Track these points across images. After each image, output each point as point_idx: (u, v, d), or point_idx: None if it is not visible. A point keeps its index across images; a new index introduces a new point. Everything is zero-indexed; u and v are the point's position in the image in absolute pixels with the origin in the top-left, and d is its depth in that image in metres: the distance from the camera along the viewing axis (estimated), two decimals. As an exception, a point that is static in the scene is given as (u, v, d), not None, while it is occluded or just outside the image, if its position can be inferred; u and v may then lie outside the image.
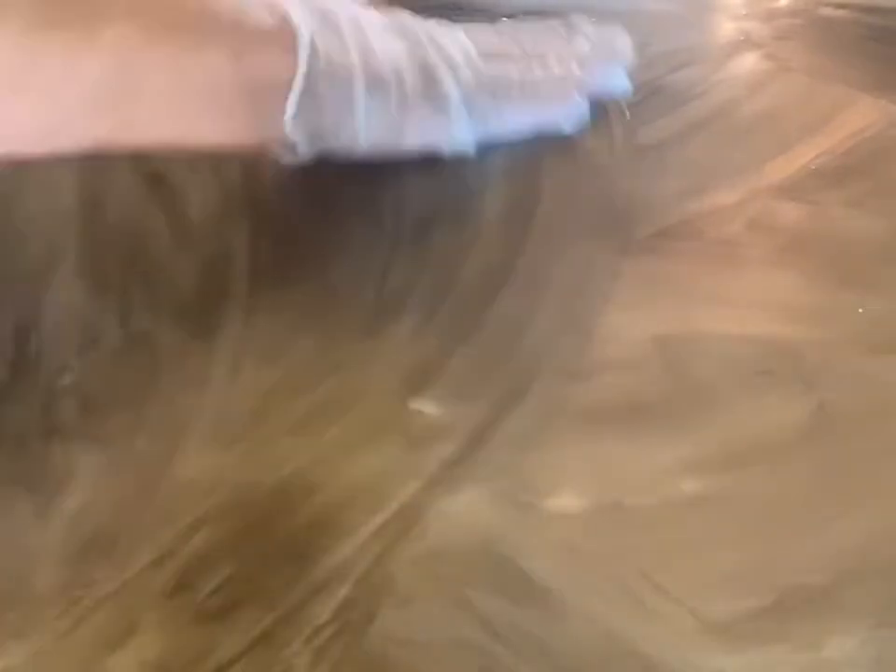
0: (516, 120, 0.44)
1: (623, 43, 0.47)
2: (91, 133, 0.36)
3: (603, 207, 0.42)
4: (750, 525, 0.31)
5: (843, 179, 0.43)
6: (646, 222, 0.41)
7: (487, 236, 0.41)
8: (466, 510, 0.31)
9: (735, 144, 0.45)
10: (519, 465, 0.32)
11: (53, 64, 0.34)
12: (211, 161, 0.43)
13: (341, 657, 0.28)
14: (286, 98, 0.38)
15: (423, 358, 0.36)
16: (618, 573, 0.30)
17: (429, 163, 0.42)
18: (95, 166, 0.43)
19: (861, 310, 0.37)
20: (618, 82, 0.46)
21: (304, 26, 0.37)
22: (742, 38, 0.53)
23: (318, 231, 0.41)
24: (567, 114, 0.45)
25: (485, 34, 0.44)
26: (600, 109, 0.46)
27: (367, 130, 0.40)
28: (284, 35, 0.37)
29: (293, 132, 0.38)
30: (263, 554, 0.30)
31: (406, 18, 0.42)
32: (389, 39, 0.40)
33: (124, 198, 0.42)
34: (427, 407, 0.34)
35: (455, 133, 0.42)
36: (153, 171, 0.43)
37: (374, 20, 0.41)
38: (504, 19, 0.46)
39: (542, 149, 0.44)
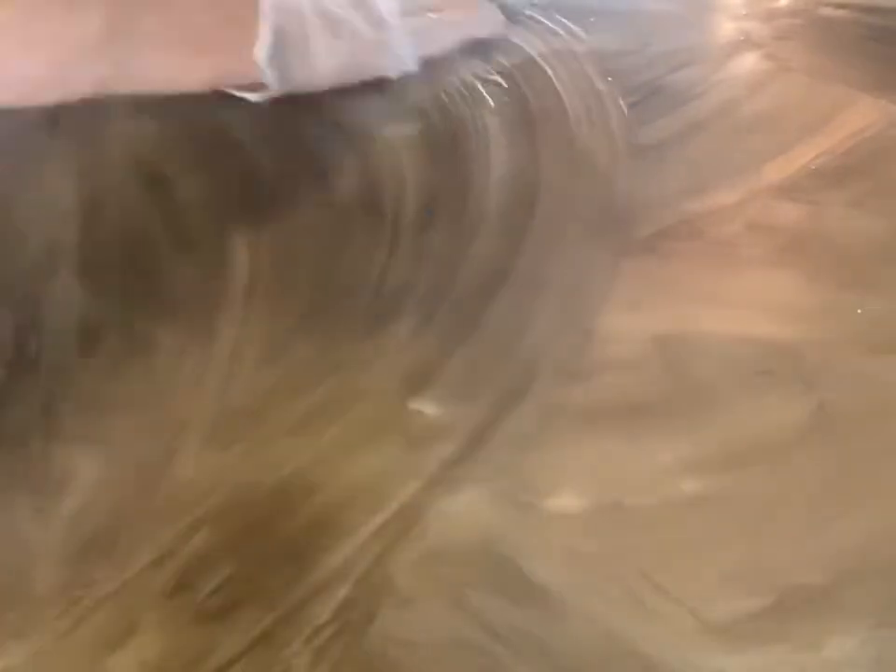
0: (444, 36, 0.50)
1: None
2: (91, 77, 0.41)
3: (603, 207, 0.42)
4: (750, 525, 0.31)
5: (843, 179, 0.43)
6: (646, 222, 0.41)
7: (487, 236, 0.41)
8: (466, 510, 0.31)
9: (734, 144, 0.45)
10: (519, 465, 0.32)
11: (55, 17, 0.38)
12: (211, 161, 0.43)
13: (340, 657, 0.28)
14: (257, 36, 0.43)
15: (422, 358, 0.36)
16: (618, 573, 0.29)
17: (427, 161, 0.42)
18: (95, 166, 0.43)
19: (860, 310, 0.37)
20: None
21: None
22: (742, 38, 0.53)
23: (317, 231, 0.41)
24: (484, 22, 0.52)
25: None
26: (600, 109, 0.46)
27: (325, 62, 0.45)
28: None
29: (266, 66, 0.44)
30: (263, 554, 0.30)
31: None
32: None
33: (124, 198, 0.42)
34: (426, 407, 0.34)
35: (397, 55, 0.47)
36: (153, 171, 0.43)
37: None
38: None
39: (542, 149, 0.44)
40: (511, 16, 0.53)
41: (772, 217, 0.41)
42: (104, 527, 0.31)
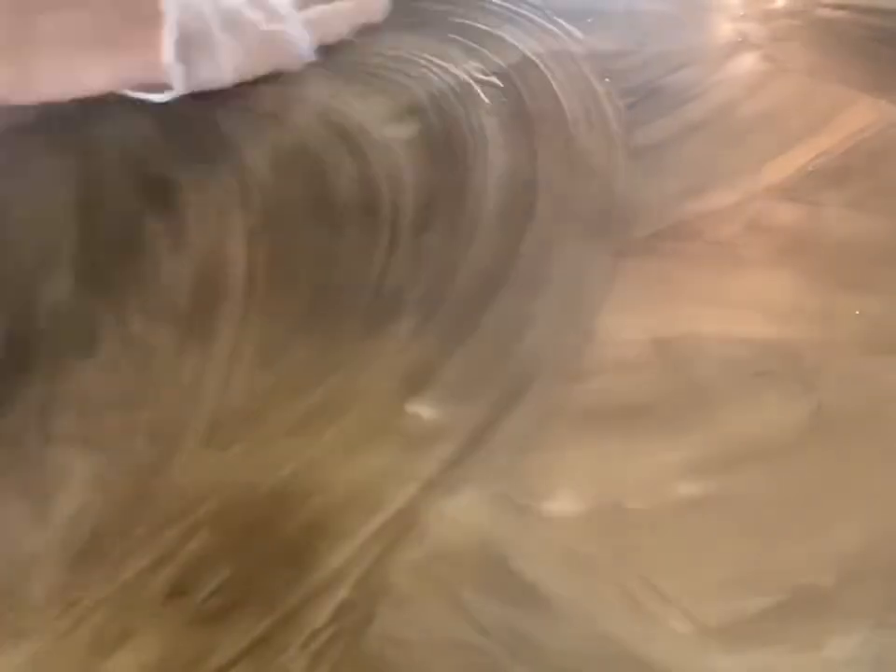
0: (337, 24, 0.52)
1: None
2: None
3: (601, 208, 0.42)
4: (750, 527, 0.31)
5: (842, 179, 0.43)
6: (644, 223, 0.41)
7: (485, 237, 0.41)
8: (464, 511, 0.31)
9: (733, 144, 0.45)
10: (518, 466, 0.32)
11: None
12: (210, 160, 0.43)
13: (339, 658, 0.27)
14: (162, 38, 0.43)
15: (422, 359, 0.36)
16: (617, 575, 0.29)
17: (426, 161, 0.42)
18: (94, 167, 0.43)
19: (859, 311, 0.37)
20: None
21: None
22: (740, 39, 0.53)
23: (316, 232, 0.41)
24: (373, 8, 0.54)
25: None
26: (598, 110, 0.46)
27: (227, 59, 0.46)
28: None
29: (171, 68, 0.44)
30: (261, 556, 0.30)
31: None
32: None
33: (122, 199, 0.42)
34: (425, 408, 0.34)
35: (295, 46, 0.49)
36: (151, 172, 0.43)
37: None
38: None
39: (540, 150, 0.44)
40: None
41: (771, 217, 0.41)
42: (102, 529, 0.31)
